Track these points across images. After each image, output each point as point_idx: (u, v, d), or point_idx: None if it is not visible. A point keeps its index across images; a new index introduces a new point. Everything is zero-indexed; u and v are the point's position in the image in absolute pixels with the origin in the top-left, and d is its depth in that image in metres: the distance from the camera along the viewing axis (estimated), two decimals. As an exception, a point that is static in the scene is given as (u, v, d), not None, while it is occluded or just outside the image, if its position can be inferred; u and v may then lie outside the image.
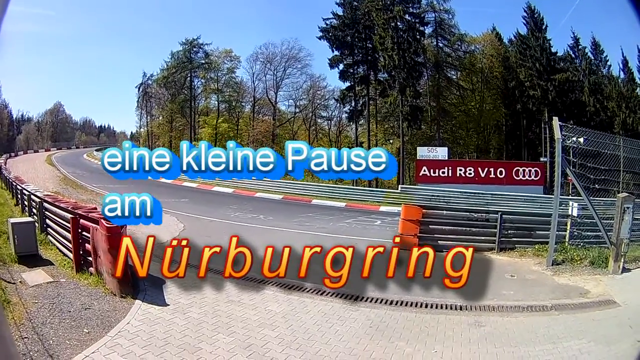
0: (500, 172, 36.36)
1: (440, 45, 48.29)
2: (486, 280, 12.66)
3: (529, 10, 44.52)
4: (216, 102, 60.40)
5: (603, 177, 15.40)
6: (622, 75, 42.04)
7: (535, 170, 36.51)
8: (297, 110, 57.96)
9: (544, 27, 44.34)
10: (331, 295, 11.58)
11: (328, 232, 20.53)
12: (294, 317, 10.15)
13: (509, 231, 16.60)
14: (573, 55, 44.57)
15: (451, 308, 10.83)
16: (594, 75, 43.42)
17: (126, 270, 11.12)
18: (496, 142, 47.33)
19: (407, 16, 47.81)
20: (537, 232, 16.54)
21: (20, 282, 11.86)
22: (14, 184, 25.52)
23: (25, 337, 8.45)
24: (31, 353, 7.85)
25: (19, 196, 22.72)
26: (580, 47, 44.14)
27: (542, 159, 39.70)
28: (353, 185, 42.60)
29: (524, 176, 36.17)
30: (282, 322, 9.79)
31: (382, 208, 30.46)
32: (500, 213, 16.77)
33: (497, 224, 16.42)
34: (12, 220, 14.92)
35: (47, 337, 8.59)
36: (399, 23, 47.43)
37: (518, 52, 45.64)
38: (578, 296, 11.91)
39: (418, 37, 47.40)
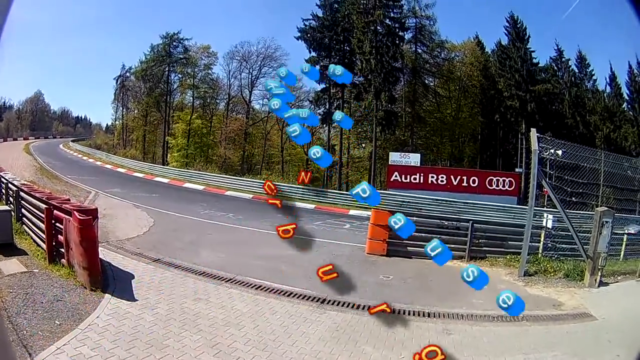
0: (474, 181, 36.49)
1: (419, 51, 48.36)
2: (455, 288, 12.73)
3: (512, 21, 44.67)
4: (191, 98, 60.31)
5: (581, 191, 15.49)
6: (608, 90, 42.43)
7: (510, 181, 36.61)
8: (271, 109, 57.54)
9: (526, 37, 44.49)
10: (298, 297, 11.73)
11: (297, 234, 20.25)
12: (260, 317, 10.22)
13: (480, 240, 16.76)
14: (556, 68, 44.89)
15: (419, 314, 10.91)
16: (576, 88, 43.74)
17: (96, 262, 11.26)
18: (470, 150, 47.46)
19: (387, 20, 47.85)
20: (509, 242, 16.74)
21: None
22: None
23: None
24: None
25: None
26: (563, 59, 44.38)
27: (517, 169, 39.83)
28: (323, 188, 42.95)
29: (497, 186, 36.32)
30: (248, 322, 9.85)
31: (352, 212, 30.53)
32: (471, 221, 16.97)
33: (468, 232, 16.54)
34: None
35: (21, 327, 8.60)
36: (378, 27, 47.48)
37: (498, 61, 45.80)
38: (551, 308, 12.05)
39: (397, 42, 47.42)
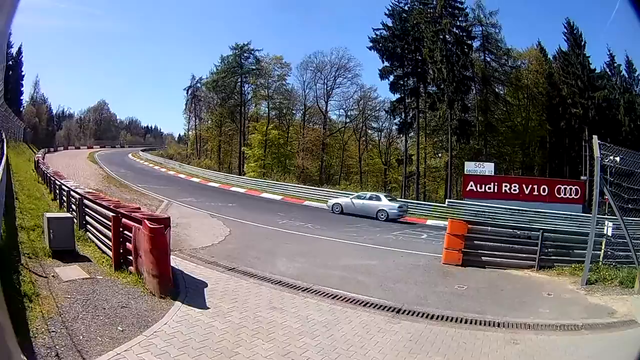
0: (544, 190, 36.81)
1: (488, 59, 48.46)
2: (525, 298, 12.97)
3: (569, 26, 44.21)
4: (266, 109, 61.72)
5: (636, 197, 15.28)
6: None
7: (576, 189, 36.76)
8: (348, 120, 59.14)
9: (582, 43, 43.99)
10: (374, 307, 11.49)
11: (375, 244, 20.57)
12: (335, 326, 9.98)
13: (549, 249, 16.51)
14: (610, 73, 44.27)
15: (489, 324, 10.71)
16: (628, 93, 43.11)
17: (167, 270, 11.25)
18: (540, 159, 47.24)
19: (454, 29, 48.03)
20: (574, 250, 16.44)
21: (52, 276, 11.73)
22: (53, 179, 25.62)
23: (53, 331, 8.20)
24: (57, 347, 7.59)
25: (58, 191, 22.86)
26: (615, 64, 43.92)
27: (582, 177, 39.78)
28: (403, 198, 43.32)
29: (565, 194, 36.40)
30: (323, 331, 9.62)
31: (429, 221, 30.96)
32: (541, 231, 16.69)
33: (538, 242, 16.30)
34: (48, 214, 14.78)
35: (77, 332, 8.35)
36: (447, 36, 47.78)
37: (561, 68, 45.32)
38: (606, 316, 11.78)
39: (466, 50, 47.58)
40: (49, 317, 8.82)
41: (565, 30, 44.73)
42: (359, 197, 32.81)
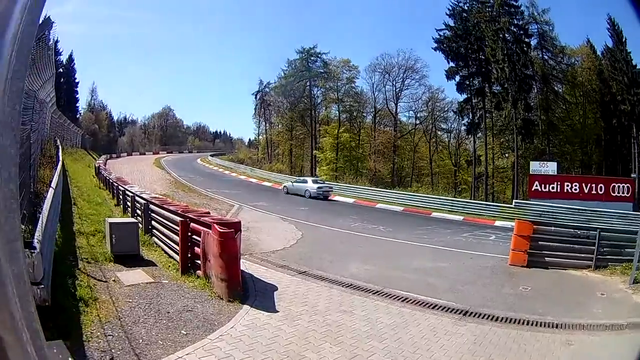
0: (600, 188, 36.48)
1: (545, 57, 47.78)
2: (580, 298, 13.01)
3: (611, 23, 43.49)
4: (337, 112, 60.91)
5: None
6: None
7: (627, 187, 36.41)
8: (417, 121, 58.11)
9: (623, 39, 43.24)
10: (442, 310, 11.56)
11: (445, 246, 20.71)
12: (403, 329, 10.02)
13: (604, 249, 16.37)
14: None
15: (548, 326, 10.73)
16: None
17: (236, 274, 11.34)
18: (597, 157, 46.50)
19: (512, 27, 47.61)
20: (626, 249, 16.20)
21: (113, 280, 11.90)
22: (116, 184, 26.00)
23: (110, 335, 8.33)
24: (113, 351, 7.74)
25: (121, 197, 23.15)
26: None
27: (632, 175, 38.99)
28: (471, 199, 43.41)
29: (617, 192, 36.03)
30: (391, 334, 9.63)
31: (497, 222, 30.73)
32: (598, 230, 16.61)
33: (595, 242, 16.22)
34: (110, 220, 15.06)
35: (136, 336, 8.46)
36: (506, 34, 47.34)
37: (609, 65, 44.57)
38: (648, 315, 11.67)
39: (525, 49, 47.07)
40: (106, 321, 8.93)
41: (608, 27, 44.14)
42: (296, 181, 42.78)
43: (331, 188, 42.05)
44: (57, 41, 52.37)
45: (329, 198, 40.09)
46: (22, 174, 10.07)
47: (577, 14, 55.01)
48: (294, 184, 41.96)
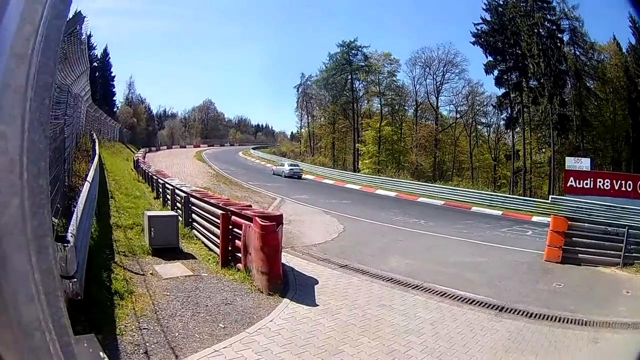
0: (629, 185, 36.05)
1: (577, 53, 47.68)
2: (609, 296, 12.94)
3: (632, 20, 43.09)
4: (379, 105, 61.73)
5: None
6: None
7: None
8: (458, 115, 58.70)
9: (643, 37, 42.95)
10: (479, 305, 11.56)
11: (484, 241, 20.71)
12: (441, 324, 10.00)
13: (632, 246, 16.12)
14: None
15: (578, 323, 10.70)
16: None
17: (277, 268, 11.33)
18: (626, 154, 46.12)
19: (546, 23, 47.51)
20: (650, 247, 16.08)
21: (151, 273, 11.94)
22: (155, 178, 26.26)
23: (145, 328, 8.29)
24: (147, 344, 7.68)
25: (161, 190, 23.35)
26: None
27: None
28: (509, 194, 43.59)
29: None
30: (429, 329, 9.63)
31: (534, 218, 30.80)
32: (627, 227, 16.42)
33: (624, 239, 16.04)
34: (149, 213, 15.15)
35: (172, 329, 8.48)
36: (540, 30, 47.28)
37: (634, 62, 44.18)
38: (672, 312, 11.64)
39: (558, 44, 46.95)
40: (141, 314, 8.94)
41: (630, 24, 43.75)
42: (278, 165, 53.07)
43: (302, 169, 50.93)
44: (90, 35, 53.14)
45: (302, 177, 48.62)
46: (55, 168, 10.17)
47: (602, 10, 54.60)
48: (276, 167, 52.09)
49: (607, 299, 12.64)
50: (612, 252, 16.06)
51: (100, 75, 66.00)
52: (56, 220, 8.65)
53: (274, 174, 48.53)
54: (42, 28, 1.43)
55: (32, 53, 1.39)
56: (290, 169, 48.96)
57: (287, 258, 13.94)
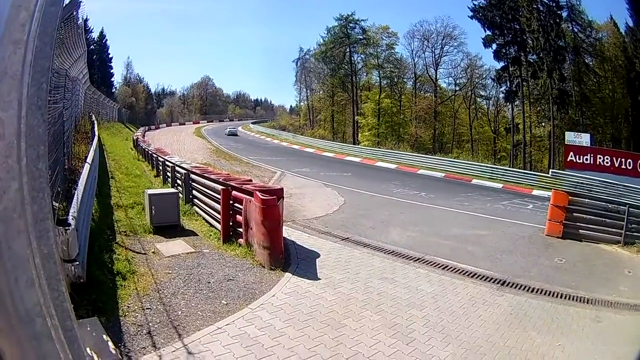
0: (629, 163, 35.79)
1: (575, 30, 47.70)
2: (610, 274, 12.86)
3: (630, 2, 43.08)
4: (378, 78, 61.58)
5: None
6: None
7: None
8: (457, 88, 58.88)
9: None
10: (481, 278, 11.58)
11: (485, 213, 20.78)
12: (443, 298, 10.02)
13: (632, 225, 16.01)
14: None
15: (580, 300, 10.67)
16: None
17: (278, 242, 11.31)
18: (626, 132, 46.19)
19: None
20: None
21: (153, 252, 11.91)
22: (155, 156, 26.31)
23: (148, 308, 8.26)
24: (150, 324, 7.64)
25: (161, 168, 23.36)
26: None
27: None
28: (509, 167, 43.95)
29: None
30: (431, 303, 9.66)
31: (535, 192, 30.90)
32: (627, 206, 16.33)
33: (624, 217, 15.93)
34: (150, 191, 15.03)
35: (175, 308, 8.46)
36: (539, 6, 47.11)
37: (632, 43, 44.23)
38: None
39: (557, 20, 47.00)
40: (144, 294, 8.94)
41: (627, 6, 43.72)
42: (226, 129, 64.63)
43: (236, 129, 68.79)
44: (86, 19, 53.35)
45: (237, 134, 65.01)
46: (55, 151, 10.15)
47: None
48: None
49: (609, 278, 12.59)
50: (613, 229, 15.98)
51: (98, 57, 66.77)
52: (57, 204, 8.62)
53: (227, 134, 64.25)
54: (38, 14, 1.42)
55: (28, 39, 1.38)
56: (229, 130, 66.37)
57: (288, 232, 14.03)
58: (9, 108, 1.32)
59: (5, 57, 1.33)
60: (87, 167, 12.44)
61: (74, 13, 17.07)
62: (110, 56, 71.73)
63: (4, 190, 1.31)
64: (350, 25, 63.07)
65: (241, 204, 12.39)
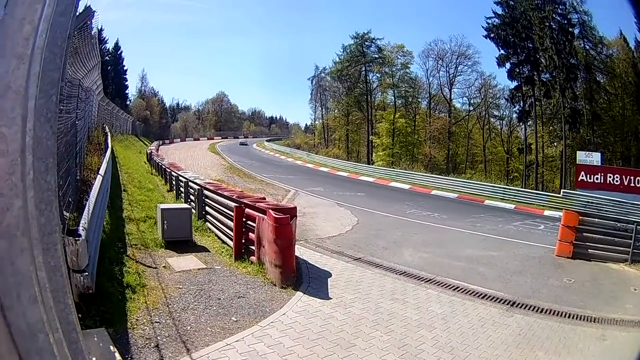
0: (638, 181, 35.36)
1: (587, 47, 47.54)
2: (616, 293, 12.90)
3: (637, 16, 42.96)
4: (392, 97, 61.17)
5: None
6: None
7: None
8: (471, 108, 58.44)
9: (651, 33, 42.86)
10: (491, 300, 11.57)
11: (497, 234, 20.59)
12: (453, 319, 10.01)
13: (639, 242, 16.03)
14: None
15: (587, 320, 10.70)
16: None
17: (290, 260, 11.38)
18: (635, 149, 45.98)
19: (557, 16, 47.50)
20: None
21: (164, 266, 11.95)
22: (169, 170, 26.19)
23: (157, 322, 8.31)
24: (159, 338, 7.70)
25: (174, 183, 23.26)
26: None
27: (663, 168, 38.51)
28: (522, 188, 43.19)
29: None
30: (440, 324, 9.65)
31: (546, 212, 30.63)
32: (635, 224, 16.27)
33: (632, 235, 15.92)
34: (162, 206, 15.08)
35: (184, 322, 8.50)
36: (551, 23, 47.28)
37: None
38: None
39: (569, 38, 46.99)
40: (153, 307, 8.99)
41: (635, 20, 43.65)
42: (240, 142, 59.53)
43: (246, 141, 79.73)
44: (101, 29, 53.49)
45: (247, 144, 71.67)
46: (67, 162, 10.19)
47: (609, 5, 54.44)
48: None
49: (615, 296, 12.64)
50: (621, 248, 15.99)
51: (113, 68, 66.67)
52: (68, 214, 8.67)
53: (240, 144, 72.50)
54: (45, 25, 1.43)
55: (33, 52, 1.39)
56: (241, 142, 77.43)
57: (300, 251, 14.01)
58: (13, 124, 1.33)
59: (9, 71, 1.33)
60: (99, 178, 12.45)
61: (88, 22, 17.15)
62: (125, 68, 71.35)
63: (7, 207, 1.32)
64: (366, 43, 62.65)
65: (254, 222, 12.41)
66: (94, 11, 16.66)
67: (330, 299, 10.62)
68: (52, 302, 1.42)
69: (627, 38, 45.38)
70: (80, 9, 13.71)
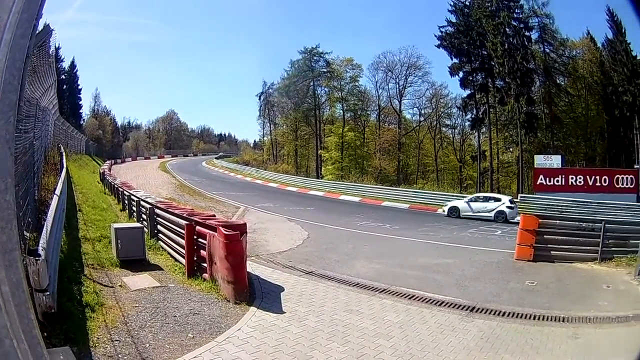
0: (604, 180, 36.34)
1: (547, 50, 48.31)
2: (586, 291, 13.07)
3: (610, 14, 43.63)
4: (341, 111, 61.58)
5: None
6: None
7: (630, 178, 36.07)
8: (422, 118, 58.83)
9: (623, 31, 43.36)
10: (449, 306, 11.60)
11: (451, 242, 20.69)
12: (410, 327, 10.02)
13: (609, 241, 16.33)
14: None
15: (555, 320, 10.76)
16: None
17: (242, 276, 11.38)
18: (601, 149, 46.63)
19: (513, 22, 48.18)
20: (631, 240, 16.19)
21: (120, 285, 11.95)
22: (121, 190, 26.20)
23: (117, 340, 8.34)
24: (120, 356, 7.78)
25: (127, 202, 23.23)
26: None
27: (635, 165, 38.87)
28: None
29: (621, 184, 35.94)
30: (398, 332, 9.65)
31: None
32: (603, 222, 16.58)
33: (600, 234, 16.17)
34: (116, 225, 15.20)
35: (143, 340, 8.50)
36: (506, 29, 47.92)
37: (610, 56, 44.71)
38: (653, 306, 11.74)
39: (525, 43, 47.77)
40: (112, 326, 8.98)
41: (608, 18, 44.24)
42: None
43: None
44: (58, 48, 53.26)
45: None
46: (25, 182, 10.10)
47: (577, 5, 55.10)
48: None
49: (585, 295, 12.77)
50: (589, 247, 16.23)
51: (68, 87, 65.91)
52: (28, 234, 8.60)
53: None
54: (5, 49, 1.42)
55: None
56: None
57: (252, 266, 14.08)
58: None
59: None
60: (55, 198, 12.40)
61: (47, 41, 17.00)
62: (79, 87, 70.65)
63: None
64: (315, 58, 62.97)
65: (205, 239, 12.52)
66: (52, 30, 16.54)
67: (284, 312, 10.71)
68: (16, 315, 1.42)
69: (595, 37, 46.19)
70: (40, 26, 13.68)
